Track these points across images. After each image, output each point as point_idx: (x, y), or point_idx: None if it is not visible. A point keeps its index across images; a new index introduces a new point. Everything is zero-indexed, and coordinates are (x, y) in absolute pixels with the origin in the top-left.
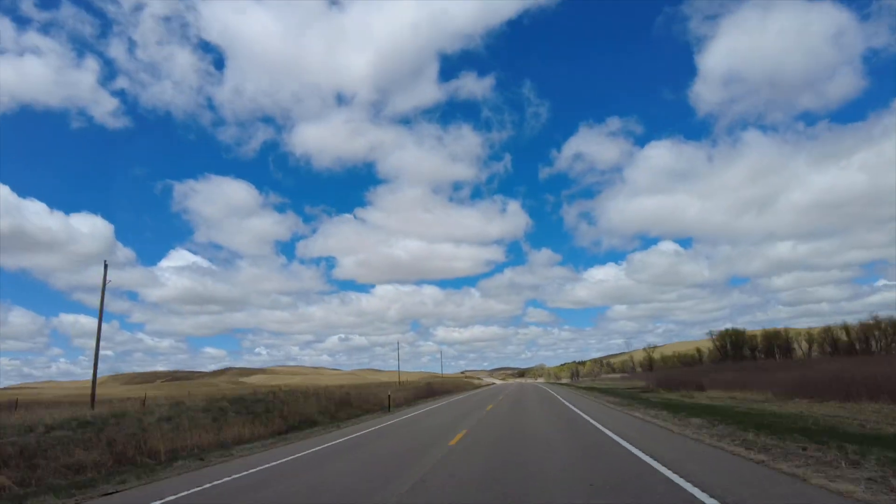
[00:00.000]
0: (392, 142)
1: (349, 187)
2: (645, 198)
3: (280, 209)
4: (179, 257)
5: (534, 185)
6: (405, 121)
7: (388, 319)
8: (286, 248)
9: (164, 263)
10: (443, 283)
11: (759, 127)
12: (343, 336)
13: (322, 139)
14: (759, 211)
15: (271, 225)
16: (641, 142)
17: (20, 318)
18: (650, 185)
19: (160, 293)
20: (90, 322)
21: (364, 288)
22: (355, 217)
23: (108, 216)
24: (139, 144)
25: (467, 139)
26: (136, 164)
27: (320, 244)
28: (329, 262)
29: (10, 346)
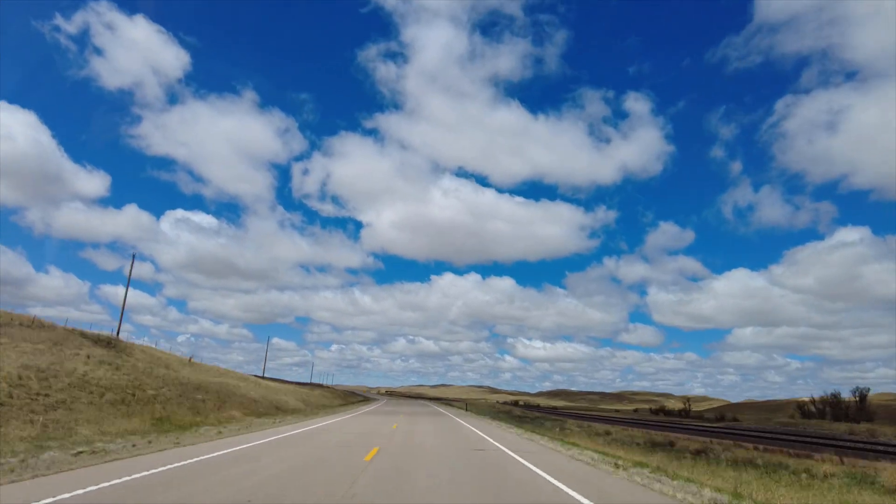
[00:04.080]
0: None
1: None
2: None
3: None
4: (178, 215)
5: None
6: None
7: (458, 322)
8: (284, 183)
9: (165, 219)
10: (519, 270)
11: None
12: (410, 338)
13: None
14: None
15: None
16: None
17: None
18: None
19: (172, 255)
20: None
21: (414, 270)
22: (363, 131)
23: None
24: None
25: None
26: None
27: (321, 174)
28: (356, 225)
29: None
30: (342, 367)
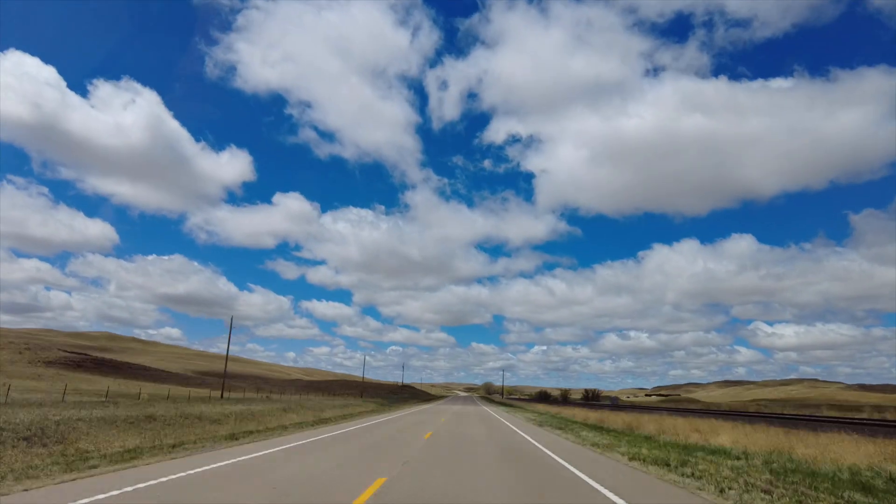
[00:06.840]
0: None
1: None
2: None
3: None
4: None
5: None
6: None
7: (682, 306)
8: (422, 110)
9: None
10: (769, 215)
11: None
12: (621, 331)
13: None
14: None
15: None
16: None
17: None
18: None
19: (340, 254)
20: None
21: (616, 232)
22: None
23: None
24: None
25: None
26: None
27: (463, 84)
28: (526, 179)
29: None
30: (548, 369)
